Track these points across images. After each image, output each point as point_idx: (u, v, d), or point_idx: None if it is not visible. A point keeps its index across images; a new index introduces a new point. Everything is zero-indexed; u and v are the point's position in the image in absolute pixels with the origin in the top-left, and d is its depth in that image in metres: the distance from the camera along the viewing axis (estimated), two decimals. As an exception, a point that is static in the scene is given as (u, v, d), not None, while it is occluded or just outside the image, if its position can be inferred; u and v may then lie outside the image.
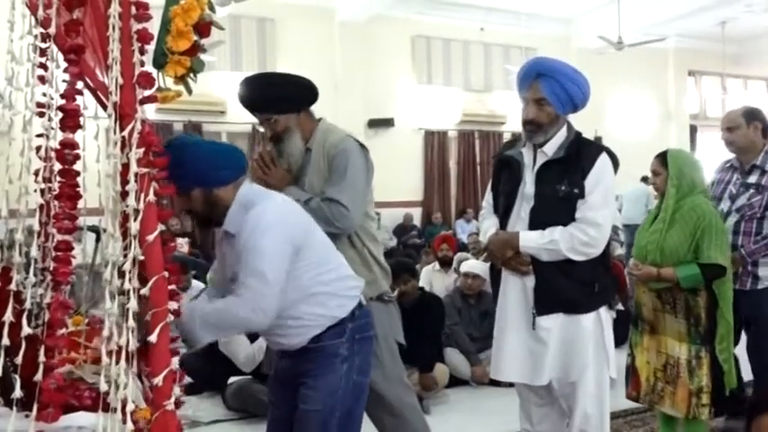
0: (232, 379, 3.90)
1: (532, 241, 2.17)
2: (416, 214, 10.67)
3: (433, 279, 5.45)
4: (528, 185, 2.24)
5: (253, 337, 3.89)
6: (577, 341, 2.19)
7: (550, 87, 2.17)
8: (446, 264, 5.42)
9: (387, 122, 10.26)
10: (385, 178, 9.18)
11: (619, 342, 4.71)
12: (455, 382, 4.15)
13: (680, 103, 12.94)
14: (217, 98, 9.17)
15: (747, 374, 3.04)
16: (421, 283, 5.26)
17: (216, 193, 1.78)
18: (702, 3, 10.14)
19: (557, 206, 2.18)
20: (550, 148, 2.22)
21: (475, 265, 4.52)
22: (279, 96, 2.22)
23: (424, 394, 3.84)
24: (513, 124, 11.07)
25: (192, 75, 1.49)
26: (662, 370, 2.60)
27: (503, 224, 2.31)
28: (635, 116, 12.29)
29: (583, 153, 2.20)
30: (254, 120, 2.31)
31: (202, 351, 4.26)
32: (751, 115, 2.97)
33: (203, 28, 1.46)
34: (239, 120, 9.04)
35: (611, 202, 2.23)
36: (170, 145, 1.69)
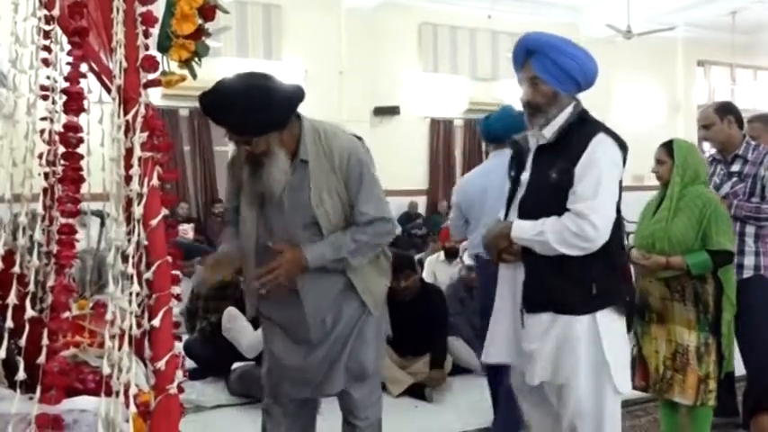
0: (236, 364, 3.92)
1: (525, 232, 1.97)
2: (421, 203, 10.67)
3: (437, 269, 5.45)
4: (526, 172, 2.08)
5: (256, 325, 3.90)
6: (566, 344, 1.98)
7: (542, 64, 1.98)
8: (452, 255, 5.41)
9: (392, 110, 10.22)
10: (390, 166, 9.26)
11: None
12: (458, 370, 4.16)
13: (688, 93, 12.85)
14: (223, 85, 9.15)
15: (739, 370, 3.05)
16: (424, 273, 5.26)
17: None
18: (713, -8, 10.04)
19: (546, 195, 1.97)
20: (549, 131, 2.01)
21: (477, 258, 4.51)
22: (264, 117, 1.86)
23: (428, 382, 3.85)
24: (519, 113, 10.98)
25: (196, 59, 1.48)
26: (671, 358, 2.61)
27: (507, 214, 2.15)
28: (643, 106, 12.21)
29: (577, 136, 1.96)
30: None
31: (206, 337, 4.30)
32: (724, 110, 3.03)
33: (208, 11, 1.45)
34: (245, 106, 9.03)
35: (605, 191, 1.91)
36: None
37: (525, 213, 2.02)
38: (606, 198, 1.92)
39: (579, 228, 1.88)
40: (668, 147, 2.66)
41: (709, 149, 3.33)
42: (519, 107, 2.23)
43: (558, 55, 1.97)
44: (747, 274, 2.90)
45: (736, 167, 2.99)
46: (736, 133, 3.01)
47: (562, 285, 1.95)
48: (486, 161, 3.23)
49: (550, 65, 1.97)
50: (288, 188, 1.96)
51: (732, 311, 2.61)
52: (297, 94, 1.94)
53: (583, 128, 2.00)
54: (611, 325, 2.00)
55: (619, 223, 1.99)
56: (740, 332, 2.90)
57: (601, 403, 2.00)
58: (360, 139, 2.08)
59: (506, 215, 2.14)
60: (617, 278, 2.05)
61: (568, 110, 2.02)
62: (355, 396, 2.11)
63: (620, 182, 2.02)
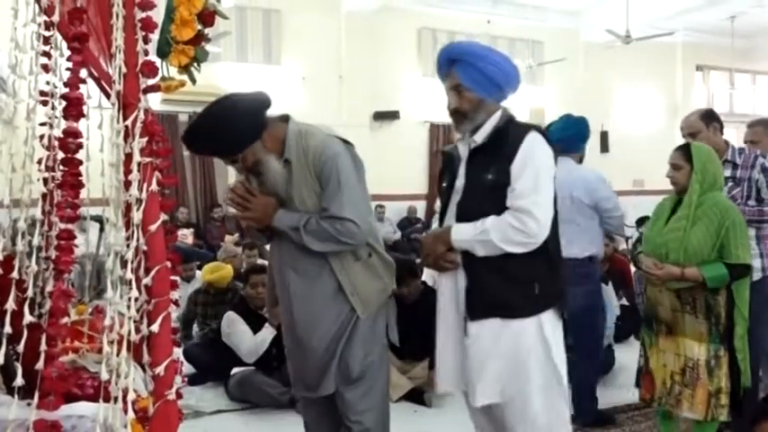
0: (235, 370, 3.91)
1: (465, 234, 1.95)
2: (420, 207, 10.68)
3: (436, 274, 5.43)
4: (460, 178, 2.07)
5: (255, 329, 3.89)
6: (515, 351, 1.93)
7: (465, 72, 2.01)
8: (451, 259, 5.36)
9: (392, 115, 10.24)
10: (389, 171, 9.29)
11: (622, 337, 4.78)
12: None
13: (687, 98, 12.85)
14: (223, 90, 9.12)
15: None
16: (424, 278, 5.25)
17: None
18: (712, -3, 10.07)
19: (484, 197, 1.97)
20: (480, 136, 2.04)
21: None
22: (232, 138, 1.97)
23: (426, 388, 3.84)
24: (518, 117, 10.98)
25: (195, 64, 1.48)
26: (680, 373, 2.50)
27: (441, 224, 2.12)
28: (642, 111, 12.22)
29: (509, 136, 1.98)
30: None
31: (205, 342, 4.29)
32: (709, 117, 3.03)
33: (207, 17, 1.45)
34: (244, 111, 9.05)
35: (544, 186, 1.93)
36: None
37: (463, 216, 2.00)
38: (545, 193, 1.94)
39: (522, 223, 1.88)
40: (685, 151, 2.51)
41: None
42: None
43: (481, 62, 2.00)
44: (756, 276, 2.82)
45: (726, 172, 2.94)
46: (721, 140, 3.00)
47: (505, 287, 1.94)
48: None
49: (474, 72, 2.00)
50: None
51: (745, 326, 2.49)
52: (259, 102, 2.03)
53: (514, 129, 2.02)
54: (555, 330, 1.99)
55: (555, 222, 1.99)
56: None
57: (554, 414, 1.98)
58: (348, 143, 2.10)
59: (441, 226, 2.10)
60: (558, 279, 2.04)
61: (497, 115, 2.06)
62: (347, 396, 2.11)
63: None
